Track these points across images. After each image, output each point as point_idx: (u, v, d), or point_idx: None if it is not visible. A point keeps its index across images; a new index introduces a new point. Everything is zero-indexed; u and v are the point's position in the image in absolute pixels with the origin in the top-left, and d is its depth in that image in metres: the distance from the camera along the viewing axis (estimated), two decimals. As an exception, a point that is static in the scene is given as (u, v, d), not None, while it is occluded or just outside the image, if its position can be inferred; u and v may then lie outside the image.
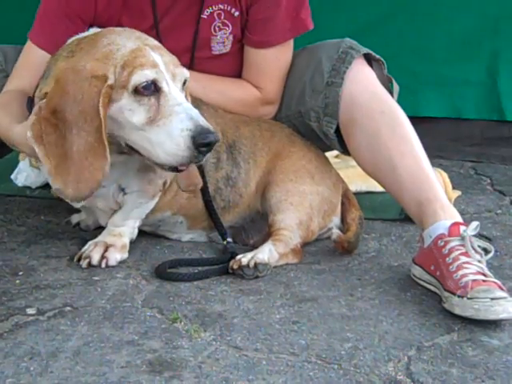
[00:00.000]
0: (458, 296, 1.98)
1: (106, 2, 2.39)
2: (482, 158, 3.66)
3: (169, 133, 2.00)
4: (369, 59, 2.49)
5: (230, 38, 2.52)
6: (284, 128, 2.55)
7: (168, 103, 2.03)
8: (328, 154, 2.67)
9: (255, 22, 2.49)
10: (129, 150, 2.12)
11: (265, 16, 2.47)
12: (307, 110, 2.49)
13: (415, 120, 2.40)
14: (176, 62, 2.11)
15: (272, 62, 2.53)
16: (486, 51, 4.03)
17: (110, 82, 2.01)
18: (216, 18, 2.48)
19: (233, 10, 2.47)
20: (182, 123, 2.00)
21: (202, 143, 1.99)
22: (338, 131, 2.47)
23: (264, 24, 2.49)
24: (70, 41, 2.21)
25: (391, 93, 2.48)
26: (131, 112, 2.03)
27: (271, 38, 2.50)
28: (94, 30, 2.23)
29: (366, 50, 2.47)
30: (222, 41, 2.51)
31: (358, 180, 2.91)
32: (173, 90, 2.05)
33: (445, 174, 2.97)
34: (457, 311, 1.98)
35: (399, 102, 2.47)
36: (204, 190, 2.39)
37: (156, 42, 2.15)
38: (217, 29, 2.49)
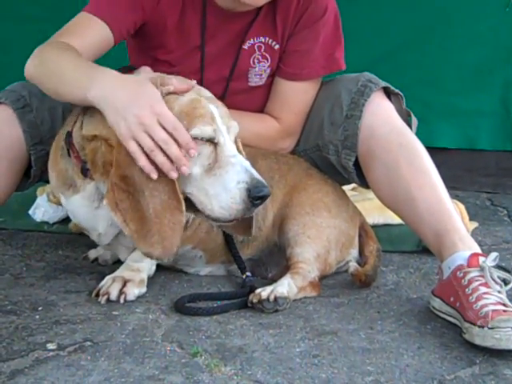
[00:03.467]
0: (479, 326, 1.97)
1: (166, 4, 2.41)
2: (497, 188, 3.66)
3: (225, 184, 2.02)
4: (387, 93, 2.50)
5: (268, 71, 2.55)
6: (301, 162, 2.56)
7: (224, 153, 2.05)
8: (345, 187, 2.68)
9: (291, 54, 2.52)
10: (186, 206, 2.11)
11: (301, 49, 2.51)
12: (325, 143, 2.51)
13: (429, 151, 2.41)
14: (229, 115, 2.14)
15: (299, 95, 2.55)
16: (498, 81, 4.05)
17: None
18: (256, 50, 2.51)
19: (273, 43, 2.51)
20: (238, 175, 2.02)
21: (256, 196, 2.01)
22: (356, 164, 2.48)
23: (299, 57, 2.52)
24: None
25: (410, 126, 2.49)
26: (191, 162, 2.03)
27: (304, 71, 2.53)
28: (144, 70, 2.24)
29: (384, 84, 2.48)
30: (259, 73, 2.54)
31: (375, 212, 2.91)
32: (228, 143, 2.07)
33: (462, 206, 2.97)
34: (477, 341, 1.97)
35: (414, 133, 2.48)
36: None
37: (209, 93, 2.17)
38: (256, 61, 2.52)
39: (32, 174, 2.49)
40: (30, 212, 3.07)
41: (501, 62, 4.03)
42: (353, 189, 3.09)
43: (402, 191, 2.35)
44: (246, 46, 2.50)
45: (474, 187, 3.69)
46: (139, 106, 1.97)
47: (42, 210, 3.03)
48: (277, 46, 2.51)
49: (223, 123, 2.09)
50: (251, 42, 2.50)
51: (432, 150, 2.44)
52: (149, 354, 1.94)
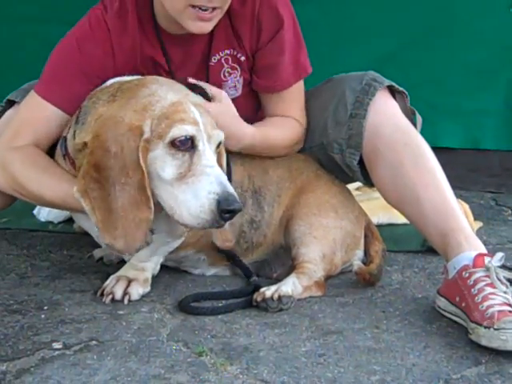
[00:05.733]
0: (485, 327, 1.97)
1: (123, 57, 2.38)
2: (501, 188, 3.66)
3: (195, 192, 2.01)
4: (392, 91, 2.49)
5: (241, 80, 2.52)
6: (311, 163, 2.54)
7: (201, 162, 2.04)
8: (349, 187, 2.67)
9: (261, 68, 2.49)
10: (156, 206, 2.11)
11: (270, 62, 2.47)
12: (330, 141, 2.50)
13: (433, 151, 2.40)
14: (213, 124, 2.12)
15: (291, 101, 2.52)
16: (502, 81, 4.05)
17: (146, 135, 2.02)
18: (224, 63, 2.48)
19: (239, 54, 2.48)
20: (210, 185, 2.01)
21: (226, 209, 2.00)
22: (360, 162, 2.48)
23: (269, 70, 2.48)
24: (109, 82, 2.22)
25: (414, 125, 2.49)
26: (164, 164, 2.04)
27: (276, 83, 2.48)
28: (136, 77, 2.24)
29: (389, 82, 2.47)
30: (233, 85, 2.51)
31: (379, 212, 2.91)
32: (207, 151, 2.06)
33: (466, 205, 2.97)
34: (484, 342, 1.96)
35: (418, 132, 2.48)
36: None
37: (197, 98, 2.16)
38: (226, 74, 2.49)
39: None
40: (35, 212, 3.07)
41: (505, 62, 4.02)
42: (357, 188, 3.08)
43: (406, 191, 2.35)
44: (212, 63, 2.46)
45: (478, 187, 3.69)
46: None
47: (46, 210, 3.02)
48: (243, 58, 2.47)
49: (205, 131, 2.07)
50: (217, 57, 2.46)
51: (436, 150, 2.43)
52: (154, 353, 1.95)
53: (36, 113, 2.36)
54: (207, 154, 2.06)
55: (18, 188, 2.30)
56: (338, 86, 2.52)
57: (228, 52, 2.47)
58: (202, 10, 2.25)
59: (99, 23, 2.37)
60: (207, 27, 2.31)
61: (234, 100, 2.51)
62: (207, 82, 2.45)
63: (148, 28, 2.41)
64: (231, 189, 2.02)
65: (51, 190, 2.23)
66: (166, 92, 2.10)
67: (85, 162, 2.04)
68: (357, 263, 2.43)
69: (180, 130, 2.03)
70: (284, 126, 2.51)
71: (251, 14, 2.42)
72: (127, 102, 2.07)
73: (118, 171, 2.01)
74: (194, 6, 2.24)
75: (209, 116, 2.13)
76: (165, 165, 2.04)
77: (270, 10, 2.42)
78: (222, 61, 2.47)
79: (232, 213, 2.01)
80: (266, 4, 2.42)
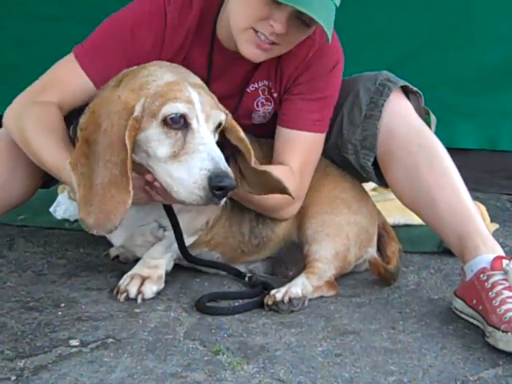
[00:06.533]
0: (503, 331, 1.96)
1: (169, 54, 2.34)
2: (518, 191, 3.64)
3: (188, 170, 1.99)
4: (406, 91, 2.49)
5: (272, 112, 2.50)
6: (321, 160, 2.50)
7: (194, 141, 2.01)
8: (365, 187, 2.66)
9: (284, 100, 2.44)
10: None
11: (294, 97, 2.40)
12: (344, 142, 2.49)
13: (449, 152, 2.40)
14: (213, 104, 2.09)
15: (296, 145, 2.41)
16: (520, 81, 4.02)
17: (136, 113, 2.01)
18: (260, 93, 2.45)
19: (272, 89, 2.45)
20: (202, 162, 1.98)
21: (216, 186, 1.96)
22: (374, 163, 2.47)
23: (290, 104, 2.42)
24: (121, 73, 2.23)
25: (428, 124, 2.48)
26: (157, 143, 2.02)
27: (290, 119, 2.40)
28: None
29: (403, 83, 2.47)
30: (263, 115, 2.49)
31: (395, 213, 2.91)
32: (202, 129, 2.03)
33: (483, 207, 2.96)
34: (501, 346, 1.96)
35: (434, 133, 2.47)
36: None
37: (199, 81, 2.15)
38: (259, 104, 2.46)
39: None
40: (51, 209, 3.08)
41: (523, 62, 4.00)
42: (373, 189, 3.08)
43: (422, 192, 2.34)
44: (249, 90, 2.44)
45: (494, 189, 3.67)
46: None
47: (62, 208, 3.04)
48: (275, 95, 2.45)
49: (202, 110, 2.05)
50: (255, 85, 2.44)
51: (452, 151, 2.43)
52: (171, 351, 1.95)
53: (69, 76, 2.33)
54: (202, 132, 2.03)
55: (23, 141, 2.26)
56: (351, 86, 2.51)
57: (266, 83, 2.44)
58: (262, 38, 2.22)
59: (159, 13, 2.32)
60: (260, 57, 2.27)
61: (258, 125, 2.50)
62: (238, 106, 2.43)
63: (204, 31, 2.37)
64: (224, 165, 1.99)
65: (50, 154, 2.19)
66: (163, 73, 2.09)
67: (80, 136, 2.04)
68: (372, 255, 2.42)
69: (171, 108, 2.01)
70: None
71: (303, 57, 2.38)
72: (127, 83, 2.08)
73: (104, 147, 1.99)
74: (255, 31, 2.21)
75: (210, 96, 2.11)
76: (159, 143, 2.02)
77: (322, 60, 2.39)
78: (259, 91, 2.45)
79: (223, 189, 1.98)
80: (320, 53, 2.38)
